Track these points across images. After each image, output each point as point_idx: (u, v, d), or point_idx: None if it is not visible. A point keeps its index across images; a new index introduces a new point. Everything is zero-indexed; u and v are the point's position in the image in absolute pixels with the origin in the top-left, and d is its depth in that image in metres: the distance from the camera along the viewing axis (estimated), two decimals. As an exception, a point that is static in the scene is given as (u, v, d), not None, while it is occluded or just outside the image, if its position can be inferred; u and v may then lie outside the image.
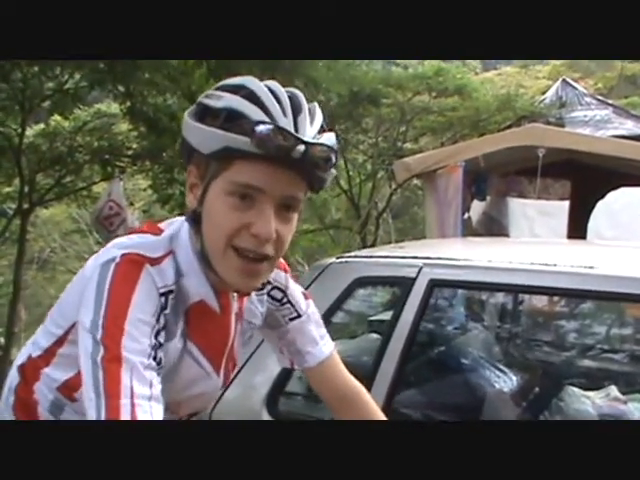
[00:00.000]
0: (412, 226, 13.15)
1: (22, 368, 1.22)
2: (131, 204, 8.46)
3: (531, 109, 9.78)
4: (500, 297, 2.85)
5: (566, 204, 6.34)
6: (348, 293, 2.11)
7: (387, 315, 2.22)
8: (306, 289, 1.35)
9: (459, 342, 2.55)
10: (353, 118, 9.94)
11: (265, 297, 1.26)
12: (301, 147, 0.99)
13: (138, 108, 6.44)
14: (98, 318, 0.97)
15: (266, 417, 1.97)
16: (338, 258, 2.24)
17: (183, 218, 1.12)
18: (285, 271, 1.28)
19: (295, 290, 1.29)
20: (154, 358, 0.99)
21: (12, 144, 7.07)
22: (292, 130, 1.00)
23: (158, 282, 1.04)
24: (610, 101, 10.20)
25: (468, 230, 5.54)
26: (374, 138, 10.87)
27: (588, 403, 2.06)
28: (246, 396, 2.04)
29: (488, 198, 6.04)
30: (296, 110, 1.02)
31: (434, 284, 1.97)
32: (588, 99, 9.70)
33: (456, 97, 10.31)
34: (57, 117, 7.75)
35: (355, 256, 2.34)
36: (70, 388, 1.14)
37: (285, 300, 1.28)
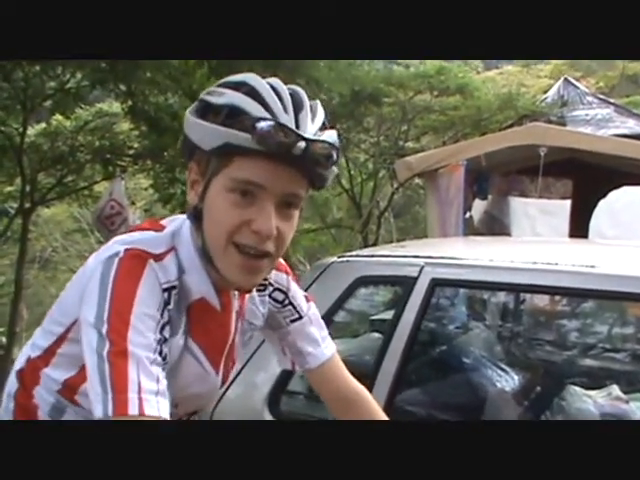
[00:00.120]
0: (414, 225, 13.14)
1: (21, 373, 1.21)
2: (132, 203, 8.48)
3: (533, 108, 9.78)
4: (502, 296, 2.85)
5: (568, 203, 6.33)
6: (350, 292, 2.11)
7: (389, 314, 2.22)
8: (307, 288, 1.36)
9: (461, 341, 2.55)
10: (355, 117, 9.94)
11: (267, 298, 1.26)
12: (302, 144, 0.98)
13: (139, 107, 6.45)
14: (103, 312, 0.97)
15: (268, 416, 1.97)
16: (339, 257, 2.24)
17: (184, 215, 1.12)
18: (287, 273, 1.28)
19: (297, 292, 1.29)
20: (159, 353, 0.99)
21: (14, 143, 7.09)
22: (293, 127, 1.00)
23: (161, 278, 1.04)
24: (612, 100, 10.18)
25: (470, 229, 5.53)
26: (376, 137, 10.87)
27: (590, 402, 2.06)
28: (248, 395, 2.04)
29: (490, 197, 6.03)
30: (297, 107, 1.02)
31: (436, 283, 1.97)
32: (590, 98, 9.69)
33: (458, 96, 10.31)
34: (58, 116, 7.75)
35: (357, 255, 2.34)
36: (71, 389, 1.14)
37: (287, 302, 1.28)
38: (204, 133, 1.02)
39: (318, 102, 1.08)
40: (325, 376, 1.30)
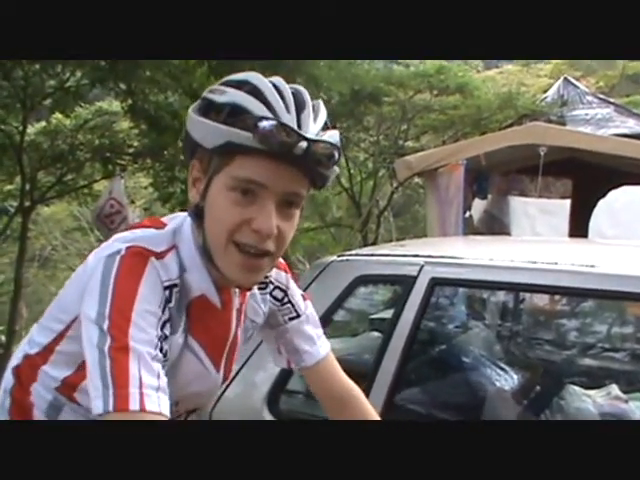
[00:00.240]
0: (413, 224, 13.14)
1: (17, 369, 1.21)
2: (132, 202, 8.47)
3: (532, 107, 9.78)
4: (501, 296, 2.85)
5: (567, 203, 6.33)
6: (349, 291, 2.11)
7: (388, 313, 2.22)
8: (307, 287, 1.36)
9: (460, 340, 2.55)
10: (354, 116, 9.94)
11: (268, 297, 1.27)
12: (303, 144, 0.99)
13: (139, 106, 6.44)
14: (104, 309, 0.97)
15: (267, 415, 1.97)
16: (339, 256, 2.24)
17: (186, 213, 1.12)
18: (286, 272, 1.29)
19: (295, 290, 1.30)
20: (160, 350, 0.99)
21: (13, 142, 7.08)
22: (295, 127, 1.00)
23: (162, 276, 1.04)
24: (612, 100, 10.20)
25: (469, 228, 5.54)
26: (375, 136, 10.87)
27: (589, 402, 2.06)
28: (247, 394, 2.04)
29: (489, 196, 6.04)
30: (299, 107, 1.02)
31: (435, 282, 1.97)
32: (589, 97, 9.70)
33: (457, 95, 10.30)
34: (58, 115, 7.74)
35: (356, 254, 2.34)
36: (70, 387, 1.14)
37: (286, 300, 1.28)
38: (206, 131, 1.02)
39: (320, 102, 1.07)
40: (320, 374, 1.31)
